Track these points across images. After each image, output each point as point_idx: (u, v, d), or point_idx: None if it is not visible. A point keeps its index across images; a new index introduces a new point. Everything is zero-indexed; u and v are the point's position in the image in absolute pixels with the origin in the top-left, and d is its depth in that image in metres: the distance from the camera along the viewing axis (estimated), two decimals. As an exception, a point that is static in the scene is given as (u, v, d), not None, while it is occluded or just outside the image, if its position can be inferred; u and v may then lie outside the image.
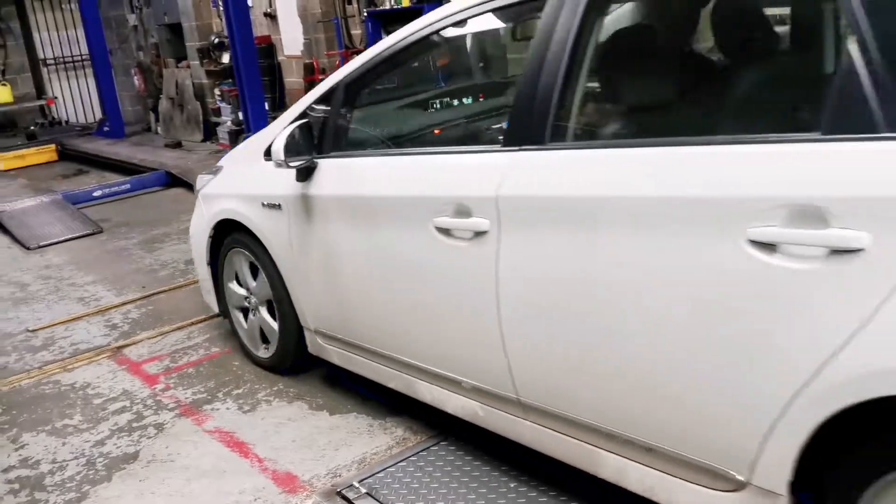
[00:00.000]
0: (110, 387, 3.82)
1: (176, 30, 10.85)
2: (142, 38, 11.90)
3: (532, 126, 2.28)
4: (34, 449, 3.32)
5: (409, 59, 3.08)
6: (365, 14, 7.60)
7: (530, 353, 2.36)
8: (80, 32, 11.54)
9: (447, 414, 2.85)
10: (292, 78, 9.32)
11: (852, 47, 1.63)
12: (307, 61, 8.92)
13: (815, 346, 1.69)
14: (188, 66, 10.77)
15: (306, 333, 3.41)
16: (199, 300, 4.38)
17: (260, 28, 9.41)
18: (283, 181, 3.16)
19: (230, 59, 8.57)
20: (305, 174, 3.06)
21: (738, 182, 1.82)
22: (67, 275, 5.68)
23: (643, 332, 2.04)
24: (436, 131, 3.36)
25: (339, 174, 3.00)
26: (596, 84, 2.32)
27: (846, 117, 1.68)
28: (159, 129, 11.50)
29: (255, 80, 8.00)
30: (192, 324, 4.47)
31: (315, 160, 3.04)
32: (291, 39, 9.23)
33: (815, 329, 1.69)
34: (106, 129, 11.14)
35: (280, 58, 9.45)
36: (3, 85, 11.88)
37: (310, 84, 8.28)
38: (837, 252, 1.64)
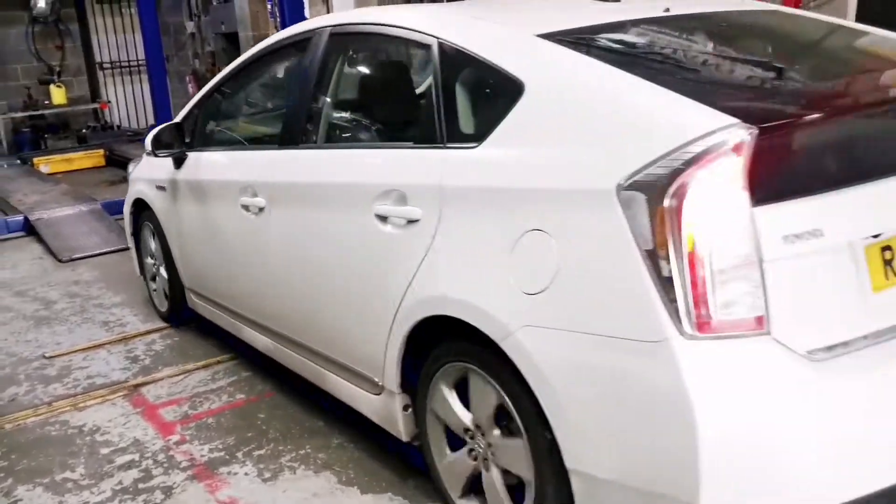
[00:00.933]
0: (121, 434, 3.42)
1: (232, 39, 10.62)
2: (199, 45, 11.72)
3: (291, 132, 3.20)
4: (26, 507, 2.93)
5: (237, 84, 3.95)
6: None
7: (283, 296, 3.24)
8: (139, 37, 11.39)
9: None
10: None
11: (429, 97, 2.54)
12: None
13: (400, 284, 2.47)
14: (242, 77, 10.52)
15: (186, 291, 4.31)
16: (227, 335, 4.00)
17: (317, 41, 9.09)
18: (168, 169, 4.02)
19: (284, 71, 8.25)
20: (178, 163, 3.92)
21: (370, 174, 2.69)
22: (95, 293, 5.35)
23: (326, 277, 2.92)
24: (256, 133, 4.12)
25: (194, 164, 3.87)
26: (320, 106, 3.16)
27: (421, 134, 2.61)
28: (209, 138, 11.27)
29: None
30: (218, 362, 4.07)
31: (186, 153, 3.89)
32: (348, 54, 8.91)
33: (400, 273, 2.47)
34: (156, 136, 10.92)
35: (335, 72, 9.13)
36: (58, 86, 11.79)
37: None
38: (410, 221, 2.45)
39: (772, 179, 1.85)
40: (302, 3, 8.47)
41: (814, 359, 1.83)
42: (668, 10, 2.66)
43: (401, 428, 2.72)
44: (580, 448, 2.01)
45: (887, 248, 1.98)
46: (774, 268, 1.81)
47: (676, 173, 1.78)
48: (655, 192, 1.80)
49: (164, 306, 4.63)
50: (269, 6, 10.27)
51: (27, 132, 11.46)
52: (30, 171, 9.70)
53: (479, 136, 2.32)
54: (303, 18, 7.86)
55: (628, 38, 2.48)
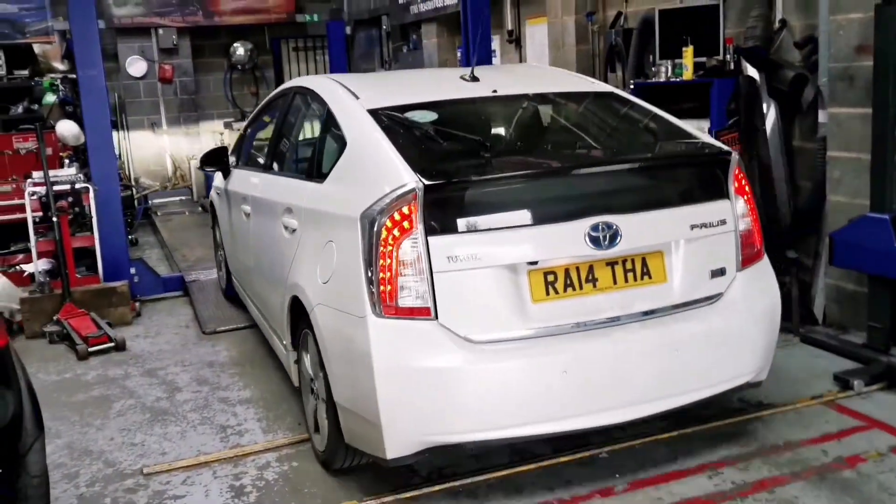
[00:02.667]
0: None
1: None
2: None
3: (266, 161, 4.66)
4: None
5: (256, 121, 5.43)
6: (631, 85, 6.08)
7: (253, 277, 4.79)
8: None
9: None
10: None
11: (315, 143, 3.90)
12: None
13: (286, 272, 3.68)
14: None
15: (231, 274, 5.77)
16: (355, 475, 3.05)
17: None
18: (221, 179, 5.58)
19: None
20: (225, 175, 5.44)
21: (282, 195, 4.03)
22: (226, 382, 4.63)
23: (266, 265, 4.29)
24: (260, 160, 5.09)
25: (231, 177, 5.34)
26: (278, 143, 4.66)
27: (307, 170, 3.91)
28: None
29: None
30: (335, 515, 3.12)
31: (231, 168, 5.35)
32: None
33: (287, 265, 3.67)
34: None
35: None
36: (249, 132, 11.74)
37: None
38: (293, 230, 3.69)
39: (440, 218, 2.91)
40: (491, 51, 7.64)
41: (471, 341, 2.90)
42: (495, 91, 3.69)
43: (293, 376, 3.87)
44: (336, 385, 3.15)
45: (551, 272, 3.01)
46: (441, 277, 2.89)
47: (381, 210, 2.92)
48: (371, 221, 2.94)
49: (223, 284, 6.17)
50: (458, 53, 9.61)
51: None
52: (207, 219, 9.48)
53: (326, 175, 3.52)
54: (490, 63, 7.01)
55: (425, 114, 3.53)
